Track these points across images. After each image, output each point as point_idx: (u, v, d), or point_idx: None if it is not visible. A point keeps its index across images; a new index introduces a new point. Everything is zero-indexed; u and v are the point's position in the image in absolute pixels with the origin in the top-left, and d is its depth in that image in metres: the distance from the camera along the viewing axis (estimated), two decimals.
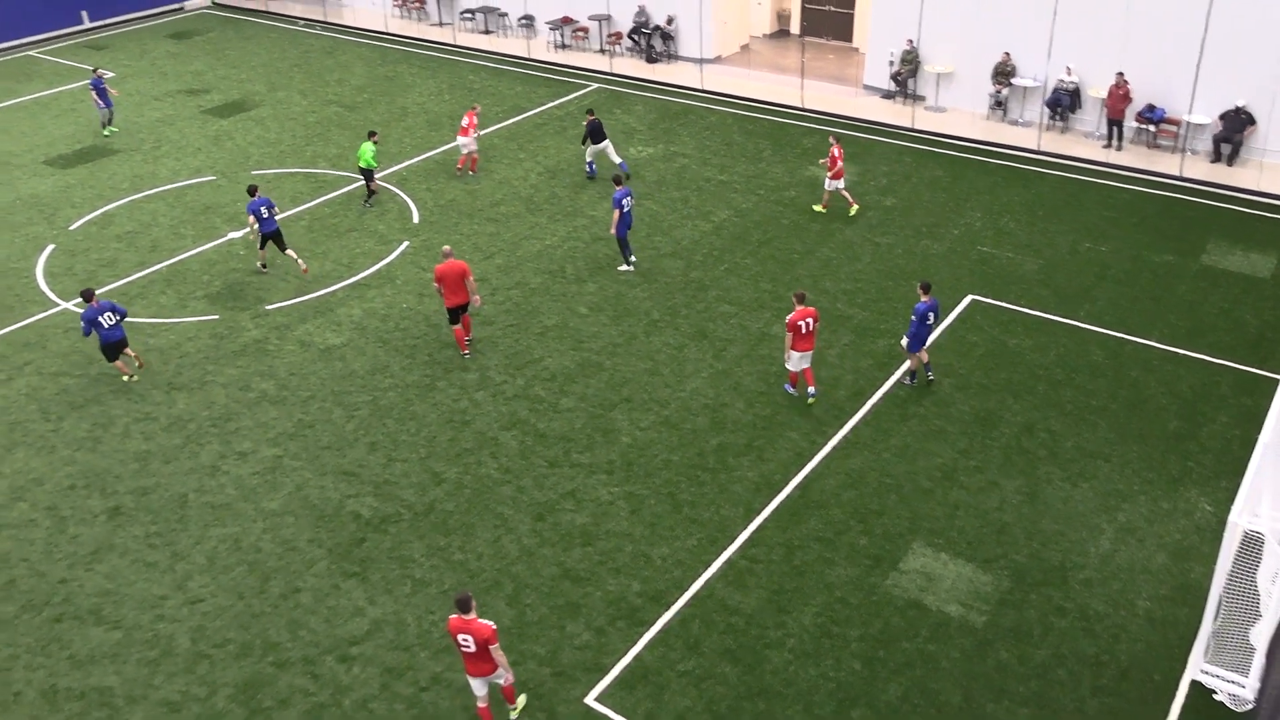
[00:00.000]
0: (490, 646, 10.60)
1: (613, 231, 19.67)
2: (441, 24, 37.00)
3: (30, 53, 36.10)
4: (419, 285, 19.84)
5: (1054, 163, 24.18)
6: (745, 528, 13.90)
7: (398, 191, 23.91)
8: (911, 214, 22.00)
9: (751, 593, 12.90)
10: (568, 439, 15.59)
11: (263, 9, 40.39)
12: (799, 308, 15.65)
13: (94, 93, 28.48)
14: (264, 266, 20.46)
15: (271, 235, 19.99)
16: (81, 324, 17.28)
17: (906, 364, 16.64)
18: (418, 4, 37.74)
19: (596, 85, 30.60)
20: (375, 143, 22.80)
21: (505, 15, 35.50)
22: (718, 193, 23.38)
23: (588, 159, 23.96)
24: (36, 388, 17.26)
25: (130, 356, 17.49)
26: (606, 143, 23.62)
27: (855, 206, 21.79)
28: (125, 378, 17.33)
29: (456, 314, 17.37)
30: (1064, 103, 25.16)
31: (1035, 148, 24.72)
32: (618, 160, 23.77)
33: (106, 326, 17.03)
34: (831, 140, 21.49)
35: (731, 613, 12.63)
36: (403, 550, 13.73)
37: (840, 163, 21.31)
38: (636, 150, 25.73)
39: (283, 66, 33.46)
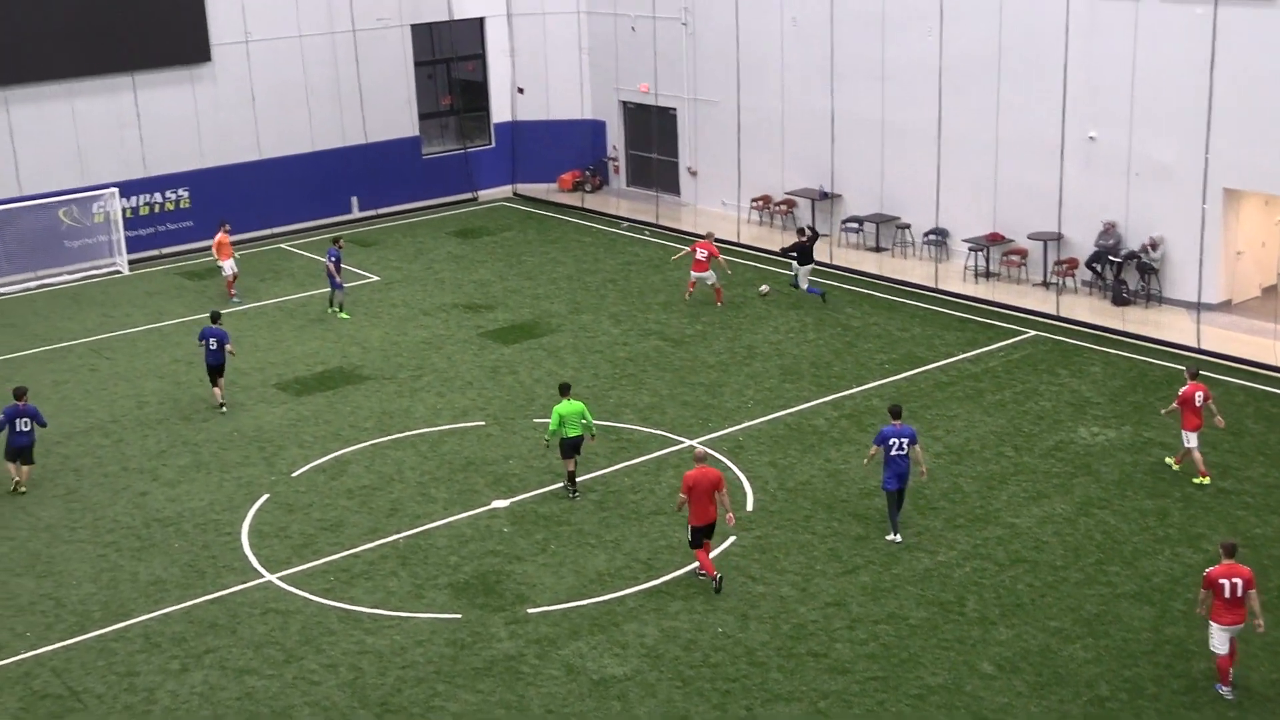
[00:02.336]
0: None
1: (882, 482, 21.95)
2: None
3: (283, 245, 41.41)
4: (746, 601, 20.01)
5: None
6: None
7: (729, 464, 24.64)
8: None
9: None
10: None
11: (577, 205, 44.39)
12: (1224, 562, 17.40)
13: (330, 264, 33.63)
14: (221, 405, 28.05)
15: (216, 368, 27.98)
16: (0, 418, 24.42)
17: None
18: (784, 208, 40.04)
19: (1034, 332, 30.77)
20: (572, 400, 23.32)
21: (907, 228, 36.84)
22: (1217, 507, 22.37)
23: (798, 281, 33.34)
24: (215, 686, 18.65)
25: (24, 477, 24.67)
26: (808, 268, 33.15)
27: (1204, 478, 23.39)
28: (14, 484, 24.60)
29: (704, 535, 20.40)
30: None
31: None
32: (804, 286, 32.91)
33: (18, 430, 24.44)
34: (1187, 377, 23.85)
35: None
36: None
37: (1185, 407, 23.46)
38: (1089, 431, 25.33)
39: (593, 281, 36.23)
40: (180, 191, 40.90)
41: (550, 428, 23.38)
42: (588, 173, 46.21)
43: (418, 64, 44.99)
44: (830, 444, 25.39)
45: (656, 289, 35.17)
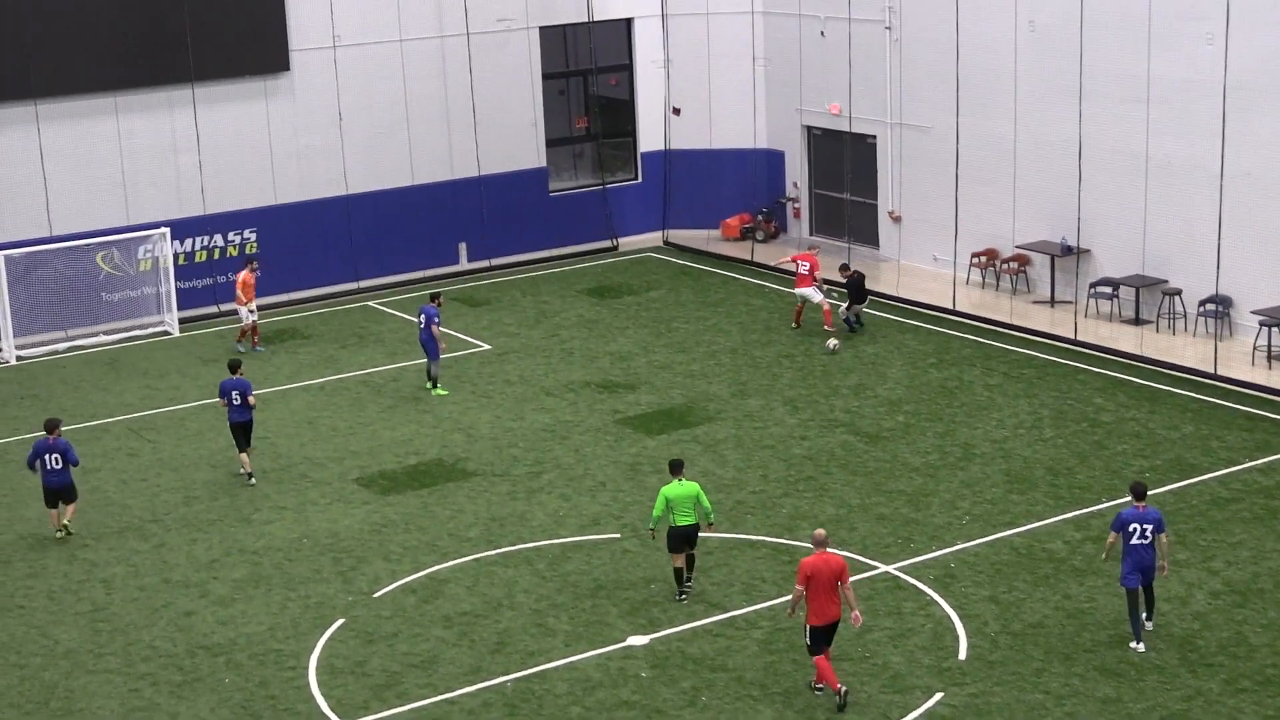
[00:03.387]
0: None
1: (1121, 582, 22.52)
2: (1054, 302, 38.52)
3: (371, 302, 42.04)
4: None
5: None
6: None
7: (935, 597, 24.31)
8: None
9: None
10: None
11: (745, 258, 44.46)
12: None
13: (433, 326, 34.05)
14: (249, 475, 29.91)
15: (242, 427, 29.77)
16: (29, 453, 27.55)
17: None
18: (1014, 266, 39.62)
19: None
20: (683, 480, 24.29)
21: (1176, 294, 36.23)
22: None
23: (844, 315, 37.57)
24: None
25: (67, 517, 27.26)
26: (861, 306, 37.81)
27: None
28: (56, 531, 27.24)
29: (826, 638, 20.96)
30: None
31: None
32: (843, 316, 37.24)
33: (49, 469, 27.11)
34: None
35: None
36: None
37: None
38: None
39: (765, 357, 36.22)
40: (246, 234, 41.81)
41: (654, 513, 24.14)
42: (760, 217, 46.31)
43: (546, 77, 45.54)
44: (1071, 575, 24.93)
45: (847, 368, 35.00)
